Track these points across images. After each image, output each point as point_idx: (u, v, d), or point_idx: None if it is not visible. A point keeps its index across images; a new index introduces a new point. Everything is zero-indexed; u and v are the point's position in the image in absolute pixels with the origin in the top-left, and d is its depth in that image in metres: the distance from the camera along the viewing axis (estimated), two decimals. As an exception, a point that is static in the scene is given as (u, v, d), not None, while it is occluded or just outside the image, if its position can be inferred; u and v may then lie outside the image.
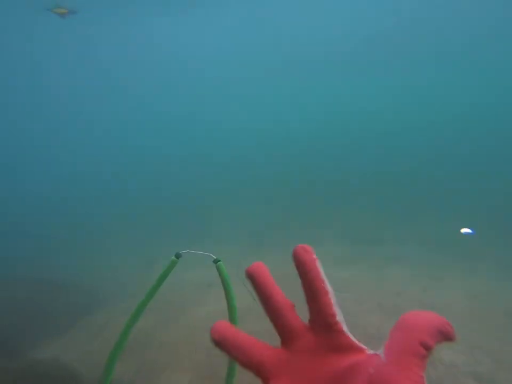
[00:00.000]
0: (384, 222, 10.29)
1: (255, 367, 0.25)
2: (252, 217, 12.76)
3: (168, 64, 21.06)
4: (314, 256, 0.26)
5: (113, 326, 3.66)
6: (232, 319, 0.94)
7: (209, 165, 20.31)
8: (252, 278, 0.28)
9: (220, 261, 0.91)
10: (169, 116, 25.23)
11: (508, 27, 14.56)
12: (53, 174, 19.51)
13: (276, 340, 0.29)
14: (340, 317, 0.24)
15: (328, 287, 0.25)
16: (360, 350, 0.23)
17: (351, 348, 0.23)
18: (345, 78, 20.90)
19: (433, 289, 4.24)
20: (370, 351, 0.23)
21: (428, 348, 0.21)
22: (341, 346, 0.23)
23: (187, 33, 17.97)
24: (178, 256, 0.92)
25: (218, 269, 0.91)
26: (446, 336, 0.22)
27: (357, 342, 0.24)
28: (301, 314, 0.28)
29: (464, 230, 6.91)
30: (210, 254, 0.92)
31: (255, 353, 0.25)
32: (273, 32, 17.79)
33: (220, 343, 0.26)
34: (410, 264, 5.92)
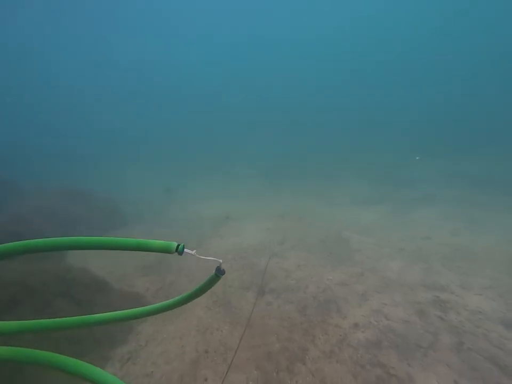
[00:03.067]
0: (413, 158, 9.33)
1: None
2: (268, 154, 12.36)
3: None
4: None
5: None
6: None
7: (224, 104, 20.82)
8: None
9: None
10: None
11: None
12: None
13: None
14: None
15: None
16: None
17: None
18: None
19: (467, 232, 3.84)
20: None
21: None
22: None
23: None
24: None
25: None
26: None
27: None
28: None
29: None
30: None
31: None
32: None
33: None
34: (441, 204, 5.42)
